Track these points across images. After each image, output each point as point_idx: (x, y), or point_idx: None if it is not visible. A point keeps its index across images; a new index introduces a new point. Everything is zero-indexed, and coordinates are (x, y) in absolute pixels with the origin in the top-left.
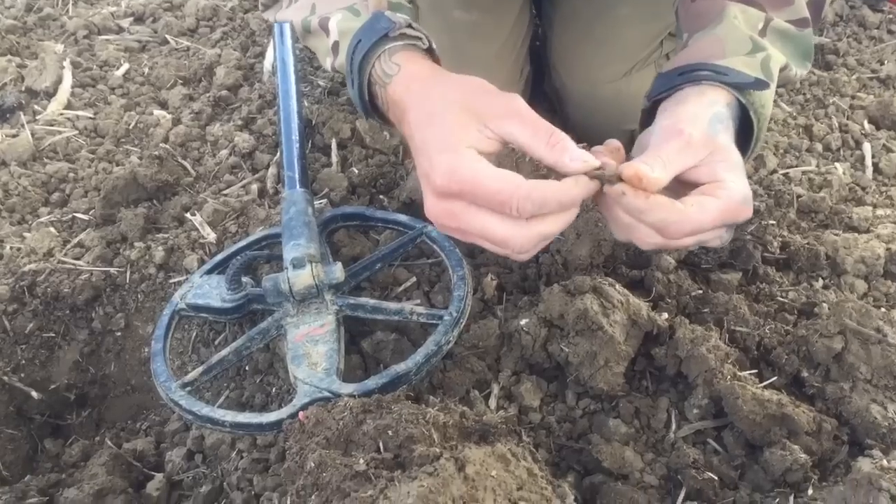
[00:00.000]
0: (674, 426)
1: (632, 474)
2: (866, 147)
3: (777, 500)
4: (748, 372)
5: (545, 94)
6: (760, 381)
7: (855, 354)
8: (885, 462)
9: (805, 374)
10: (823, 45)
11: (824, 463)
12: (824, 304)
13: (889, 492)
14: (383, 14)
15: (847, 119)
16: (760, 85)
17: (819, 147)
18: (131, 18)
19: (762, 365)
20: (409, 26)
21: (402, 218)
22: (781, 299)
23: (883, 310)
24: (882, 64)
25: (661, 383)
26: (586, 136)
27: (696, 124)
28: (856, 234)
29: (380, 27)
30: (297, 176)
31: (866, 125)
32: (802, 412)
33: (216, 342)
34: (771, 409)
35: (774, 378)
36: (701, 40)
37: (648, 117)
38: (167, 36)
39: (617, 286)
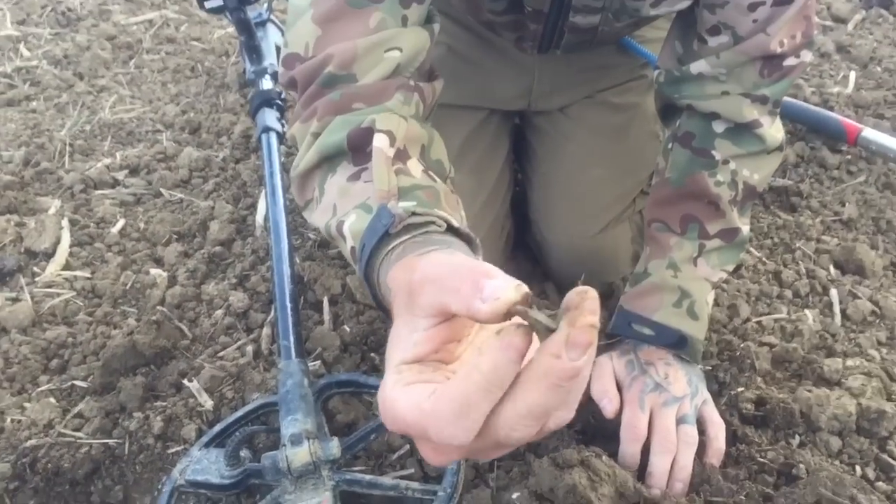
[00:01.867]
0: None
1: None
2: (833, 293)
3: None
4: None
5: (528, 246)
6: None
7: None
8: None
9: None
10: (787, 188)
11: None
12: (801, 465)
13: None
14: (385, 207)
15: (814, 265)
16: (680, 344)
17: (789, 294)
18: (126, 171)
19: None
20: (414, 213)
21: None
22: (761, 460)
23: (858, 468)
24: (843, 206)
25: None
26: (567, 286)
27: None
28: (827, 390)
29: (380, 226)
30: (292, 346)
31: (832, 270)
32: None
33: None
34: None
35: None
36: (648, 287)
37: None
38: (161, 189)
39: (604, 457)
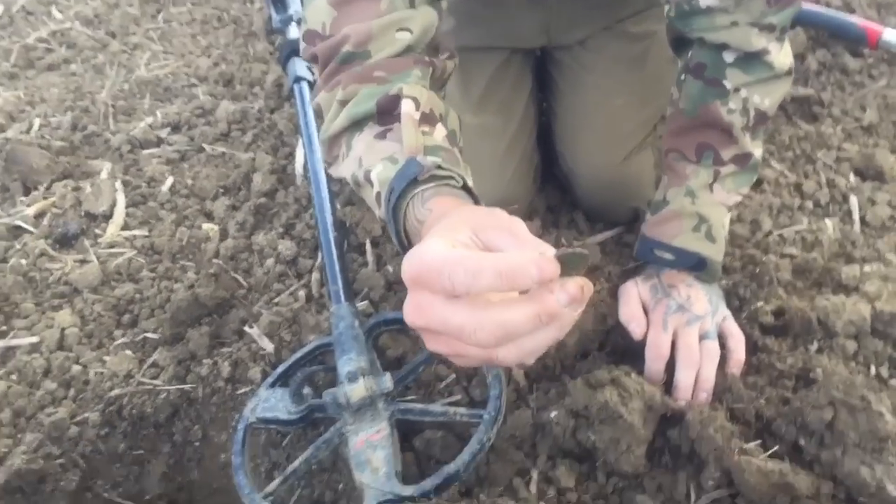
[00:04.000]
0: (693, 497)
1: None
2: (853, 201)
3: None
4: (754, 443)
5: (556, 177)
6: (765, 451)
7: (844, 422)
8: None
9: (802, 441)
10: (809, 97)
11: None
12: (818, 370)
13: None
14: (414, 159)
15: (834, 173)
16: (707, 268)
17: (809, 204)
18: (168, 129)
19: (765, 435)
20: (440, 167)
21: None
22: (780, 367)
23: (873, 368)
24: (864, 111)
25: (678, 459)
26: (595, 213)
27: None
28: (844, 297)
29: (409, 172)
30: (341, 290)
31: (852, 178)
32: (802, 478)
33: (283, 444)
34: (774, 478)
35: (777, 447)
36: (668, 214)
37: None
38: (203, 144)
39: (633, 375)
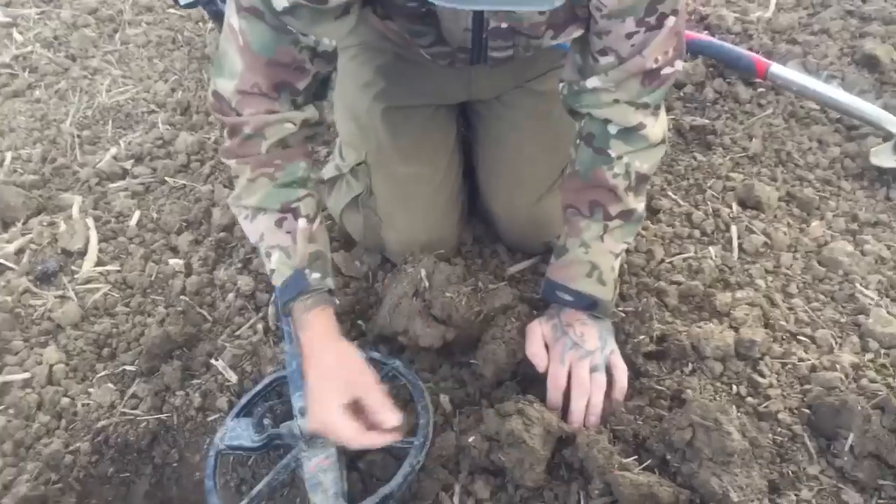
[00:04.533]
0: None
1: None
2: (733, 230)
3: None
4: (631, 459)
5: (477, 217)
6: (640, 465)
7: (700, 440)
8: None
9: (668, 456)
10: (705, 126)
11: None
12: (689, 391)
13: None
14: (302, 273)
15: (720, 203)
16: (598, 307)
17: (697, 233)
18: (132, 160)
19: (641, 451)
20: (318, 285)
21: (376, 355)
22: (658, 388)
23: (734, 387)
24: (751, 140)
25: (571, 472)
26: (514, 245)
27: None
28: (717, 322)
29: (299, 286)
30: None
31: (735, 207)
32: (665, 489)
33: (248, 463)
34: (643, 489)
35: (649, 461)
36: (566, 261)
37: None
38: (165, 177)
39: (536, 404)
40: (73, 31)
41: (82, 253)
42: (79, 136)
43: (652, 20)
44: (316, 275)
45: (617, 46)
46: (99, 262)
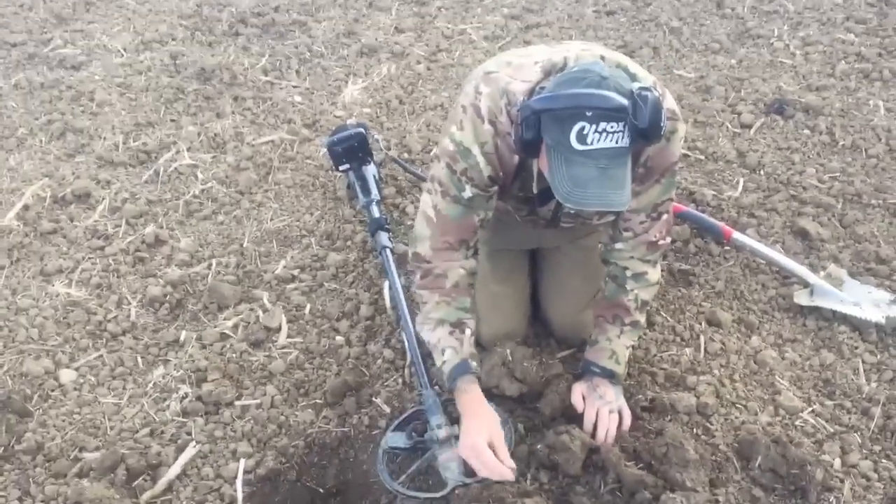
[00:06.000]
0: (601, 486)
1: None
2: (701, 338)
3: None
4: (631, 462)
5: (539, 319)
6: (636, 465)
7: (671, 453)
8: None
9: (652, 462)
10: (687, 270)
11: None
12: (666, 427)
13: None
14: (467, 361)
15: (694, 321)
16: (615, 377)
17: (678, 339)
18: (298, 269)
19: (636, 458)
20: (475, 370)
21: None
22: (647, 427)
23: (695, 430)
24: (717, 281)
25: (597, 468)
26: (561, 340)
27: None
28: (685, 393)
29: (464, 368)
30: (425, 378)
31: (703, 324)
32: (649, 478)
33: (397, 460)
34: (637, 478)
35: (641, 464)
36: (597, 349)
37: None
38: (323, 282)
39: (576, 429)
40: (238, 172)
41: (277, 330)
42: (256, 251)
43: (654, 215)
44: (474, 363)
45: (633, 227)
46: (289, 336)
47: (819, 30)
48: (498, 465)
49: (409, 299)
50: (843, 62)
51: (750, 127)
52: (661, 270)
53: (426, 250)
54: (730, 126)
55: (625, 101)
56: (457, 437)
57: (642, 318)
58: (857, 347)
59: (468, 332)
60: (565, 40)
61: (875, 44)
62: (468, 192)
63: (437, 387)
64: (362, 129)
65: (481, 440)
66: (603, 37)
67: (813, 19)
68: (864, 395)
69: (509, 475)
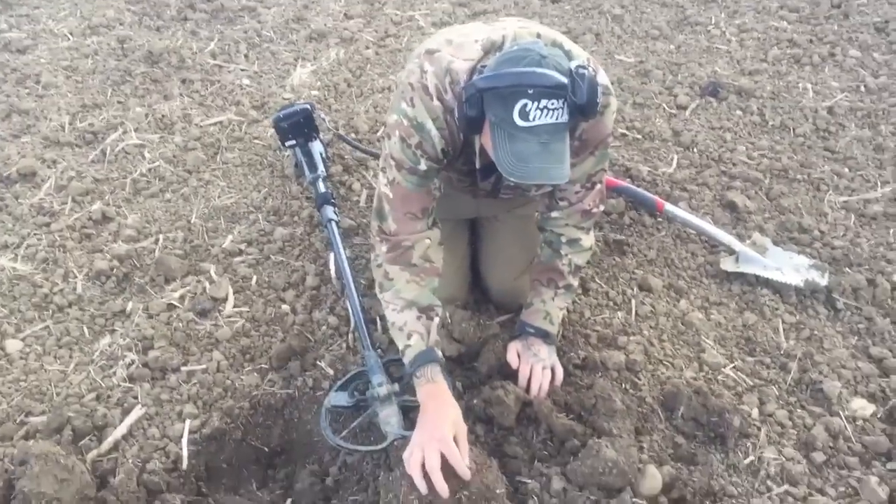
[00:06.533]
0: (533, 437)
1: None
2: (633, 303)
3: None
4: (562, 413)
5: (479, 287)
6: (567, 416)
7: (600, 404)
8: None
9: (582, 413)
10: (621, 240)
11: None
12: (596, 383)
13: None
14: (433, 350)
15: (627, 287)
16: (549, 337)
17: (612, 304)
18: (245, 244)
19: (567, 410)
20: (440, 358)
21: None
22: (580, 383)
23: (624, 385)
24: (650, 250)
25: (530, 420)
26: (500, 305)
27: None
28: (617, 351)
29: (429, 357)
30: (368, 341)
31: (635, 289)
32: (578, 427)
33: (341, 419)
34: (567, 427)
35: (572, 415)
36: (532, 310)
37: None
38: (270, 255)
39: (510, 385)
40: (186, 152)
41: (223, 300)
42: (203, 226)
43: (588, 185)
44: (439, 352)
45: (569, 197)
46: (235, 305)
47: (754, 17)
48: (461, 462)
49: (354, 269)
50: (775, 48)
51: (685, 108)
52: (597, 240)
53: (390, 224)
54: (666, 107)
55: (564, 79)
56: (397, 394)
57: (575, 282)
58: (777, 309)
59: (436, 319)
60: (502, 17)
61: (807, 31)
62: (423, 165)
63: (379, 349)
64: (308, 106)
65: (448, 432)
66: (548, 24)
67: (749, 7)
68: (782, 352)
69: (467, 474)
